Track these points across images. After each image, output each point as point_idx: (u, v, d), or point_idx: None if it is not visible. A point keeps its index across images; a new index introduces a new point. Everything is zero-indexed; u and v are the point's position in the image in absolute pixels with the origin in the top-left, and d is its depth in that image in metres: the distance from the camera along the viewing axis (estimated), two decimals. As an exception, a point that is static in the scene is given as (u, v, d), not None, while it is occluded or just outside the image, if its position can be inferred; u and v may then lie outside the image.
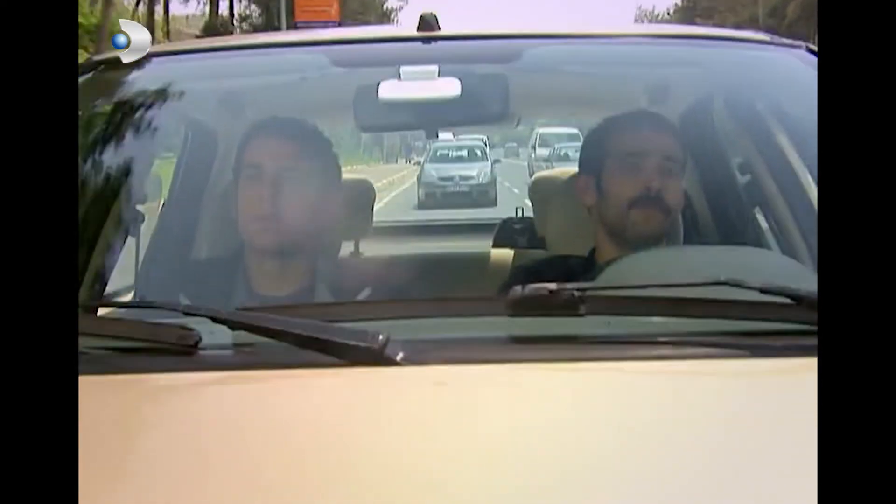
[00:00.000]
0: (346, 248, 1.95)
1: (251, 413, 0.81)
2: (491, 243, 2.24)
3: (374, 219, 1.95)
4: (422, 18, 1.37)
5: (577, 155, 1.65)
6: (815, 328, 0.86)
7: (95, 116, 1.47)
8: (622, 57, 1.55)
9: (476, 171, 13.95)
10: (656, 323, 0.91)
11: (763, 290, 0.88)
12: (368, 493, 0.67)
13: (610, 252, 1.42)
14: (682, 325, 0.91)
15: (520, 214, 2.33)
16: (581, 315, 0.88)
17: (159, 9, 30.49)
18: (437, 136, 1.83)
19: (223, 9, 32.71)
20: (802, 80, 1.40)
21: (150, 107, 1.50)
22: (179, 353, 0.88)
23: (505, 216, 2.38)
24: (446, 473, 0.69)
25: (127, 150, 1.49)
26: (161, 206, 1.78)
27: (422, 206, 12.65)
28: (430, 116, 1.57)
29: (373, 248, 2.08)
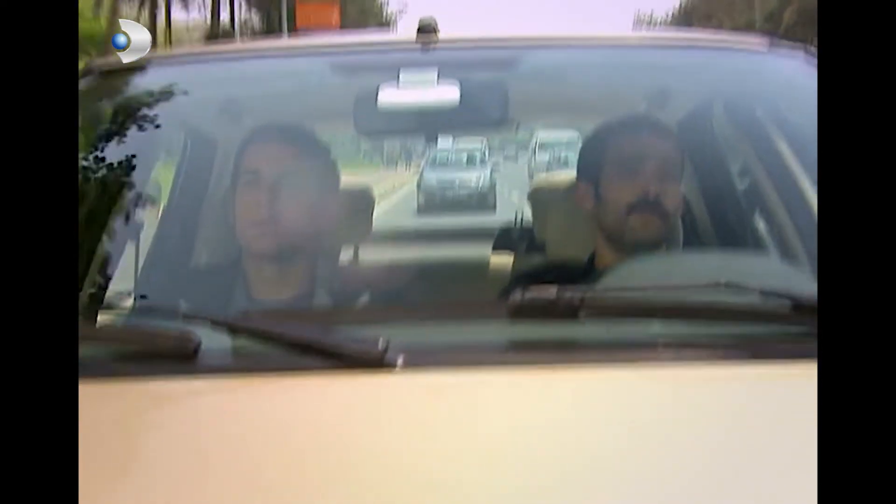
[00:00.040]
0: (346, 254, 1.95)
1: (251, 418, 0.81)
2: (490, 248, 2.24)
3: (375, 223, 1.95)
4: (421, 23, 1.37)
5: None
6: (814, 332, 0.86)
7: (95, 122, 1.48)
8: (621, 63, 1.55)
9: (475, 177, 13.94)
10: (656, 328, 0.91)
11: (762, 296, 0.88)
12: (368, 498, 0.67)
13: (609, 257, 1.42)
14: (682, 329, 0.91)
15: (519, 219, 2.33)
16: (580, 320, 0.88)
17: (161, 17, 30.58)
18: (437, 142, 1.83)
19: (224, 16, 32.83)
20: (802, 84, 1.40)
21: (149, 113, 1.51)
22: (179, 358, 0.88)
23: (504, 221, 2.38)
24: (446, 478, 0.69)
25: (126, 155, 1.49)
26: (160, 212, 1.78)
27: (421, 211, 12.66)
28: (429, 122, 1.58)
29: (372, 254, 2.08)
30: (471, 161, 14.29)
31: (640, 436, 0.74)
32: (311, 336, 0.85)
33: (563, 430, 0.75)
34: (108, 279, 1.42)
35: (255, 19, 34.03)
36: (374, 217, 1.90)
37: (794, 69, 1.41)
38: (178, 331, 0.90)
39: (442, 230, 3.31)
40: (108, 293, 1.42)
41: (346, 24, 25.02)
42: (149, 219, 1.65)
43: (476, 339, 0.95)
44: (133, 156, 1.51)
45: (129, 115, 1.51)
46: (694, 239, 1.65)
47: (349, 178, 1.69)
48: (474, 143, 14.14)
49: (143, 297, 1.55)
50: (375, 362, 0.82)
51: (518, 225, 2.28)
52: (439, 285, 1.62)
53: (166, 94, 1.53)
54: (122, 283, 1.53)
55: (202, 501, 0.68)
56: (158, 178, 1.74)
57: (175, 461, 0.74)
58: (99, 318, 1.14)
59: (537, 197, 1.80)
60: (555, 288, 0.90)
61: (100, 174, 1.44)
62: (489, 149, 15.00)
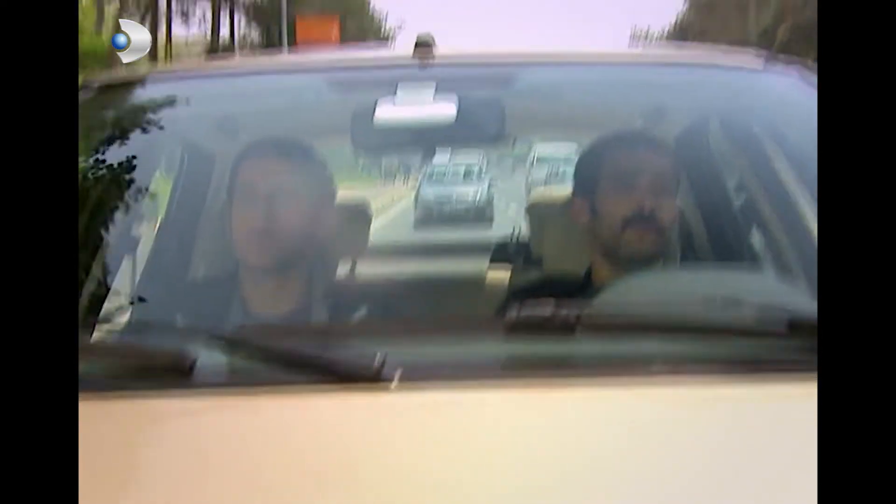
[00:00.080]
0: (344, 268, 1.95)
1: (247, 435, 0.80)
2: (487, 263, 2.24)
3: (372, 238, 1.95)
4: (418, 39, 1.38)
5: None
6: (810, 349, 0.86)
7: (93, 137, 1.48)
8: (618, 80, 1.56)
9: (472, 191, 13.97)
10: (652, 346, 0.91)
11: (758, 314, 0.88)
12: None
13: (605, 271, 1.42)
14: (678, 348, 0.90)
15: (516, 234, 2.34)
16: (577, 337, 0.88)
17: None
18: (433, 158, 1.83)
19: (224, 31, 33.08)
20: (798, 101, 1.41)
21: (147, 128, 1.51)
22: (175, 374, 0.88)
23: (501, 235, 2.39)
24: (443, 494, 0.69)
25: (123, 170, 1.49)
26: (157, 226, 1.78)
27: (419, 225, 12.67)
28: (426, 138, 1.58)
29: (370, 268, 2.08)
30: (468, 175, 14.32)
31: (637, 453, 0.74)
32: (308, 352, 0.85)
33: (560, 447, 0.75)
34: (104, 294, 1.42)
35: (255, 34, 34.24)
36: (371, 231, 1.90)
37: (790, 85, 1.42)
38: (173, 347, 0.90)
39: (439, 244, 3.31)
40: (105, 308, 1.42)
41: (345, 39, 25.15)
42: (146, 233, 1.65)
43: (472, 356, 0.95)
44: (130, 170, 1.51)
45: (125, 130, 1.51)
46: (690, 254, 1.66)
47: (347, 192, 1.69)
48: (471, 158, 14.18)
49: (139, 311, 1.55)
50: (372, 379, 0.82)
51: (515, 239, 2.28)
52: (436, 300, 1.62)
53: (163, 109, 1.53)
54: (118, 297, 1.53)
55: None
56: (156, 192, 1.74)
57: (170, 478, 0.73)
58: (94, 333, 1.14)
59: (534, 211, 1.81)
60: (551, 304, 0.90)
61: (96, 188, 1.44)
62: (486, 163, 15.03)
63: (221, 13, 33.14)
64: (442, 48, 1.39)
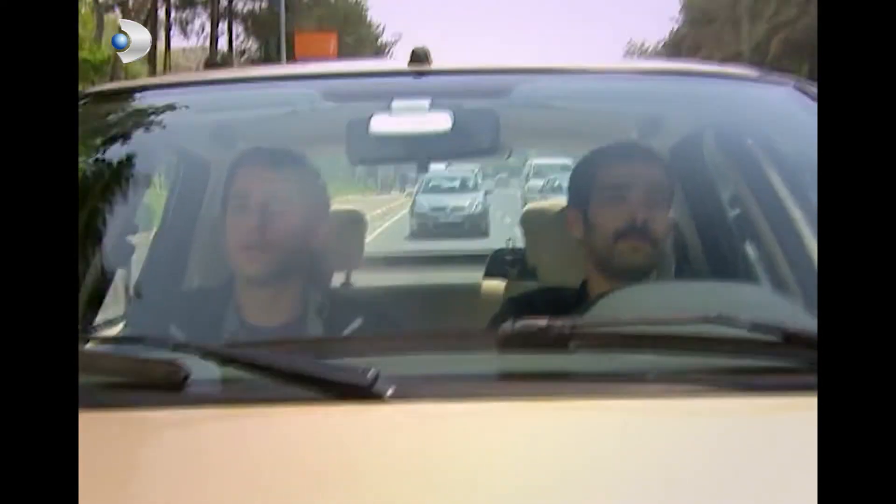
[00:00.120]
0: (338, 279, 1.95)
1: (240, 449, 0.80)
2: (482, 274, 2.24)
3: (367, 249, 1.95)
4: (413, 53, 1.38)
5: None
6: (804, 366, 0.86)
7: (87, 146, 1.48)
8: (613, 92, 1.56)
9: (468, 202, 13.99)
10: (646, 359, 0.91)
11: (752, 328, 0.88)
12: None
13: (599, 283, 1.42)
14: (673, 362, 0.90)
15: (511, 245, 2.34)
16: (571, 351, 0.88)
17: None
18: (428, 170, 1.83)
19: (222, 43, 33.23)
20: (792, 115, 1.42)
21: (142, 138, 1.51)
22: (168, 388, 0.87)
23: (497, 246, 2.39)
24: None
25: (118, 180, 1.49)
26: (153, 235, 1.78)
27: (414, 236, 12.67)
28: (421, 150, 1.58)
29: (364, 279, 2.08)
30: (463, 186, 14.35)
31: (631, 467, 0.74)
32: (301, 366, 0.85)
33: (553, 461, 0.75)
34: (98, 304, 1.41)
35: (253, 48, 34.38)
36: (366, 242, 1.90)
37: (784, 99, 1.42)
38: (166, 360, 0.89)
39: (434, 255, 3.31)
40: (98, 319, 1.41)
41: (343, 53, 25.23)
42: (141, 242, 1.65)
43: (467, 370, 0.95)
44: (125, 179, 1.51)
45: (122, 140, 1.52)
46: (685, 266, 1.66)
47: (342, 203, 1.69)
48: (466, 171, 14.20)
49: (133, 321, 1.54)
50: (365, 393, 0.82)
51: (510, 250, 2.28)
52: (431, 311, 1.62)
53: (159, 119, 1.53)
54: (112, 307, 1.53)
55: None
56: (151, 202, 1.74)
57: (162, 492, 0.73)
58: (88, 343, 1.13)
59: (530, 223, 1.81)
60: (545, 318, 0.90)
61: (91, 196, 1.44)
62: (483, 175, 15.04)
63: (220, 25, 33.31)
64: (437, 62, 1.40)
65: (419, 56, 1.37)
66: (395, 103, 1.39)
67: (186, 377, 0.87)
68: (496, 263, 2.23)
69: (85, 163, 1.44)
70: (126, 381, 0.89)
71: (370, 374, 0.82)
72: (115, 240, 1.51)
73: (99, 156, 1.47)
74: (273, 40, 28.27)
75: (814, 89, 1.40)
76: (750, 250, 1.66)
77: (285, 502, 0.70)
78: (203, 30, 33.39)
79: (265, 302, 1.41)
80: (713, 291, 1.31)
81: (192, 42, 33.80)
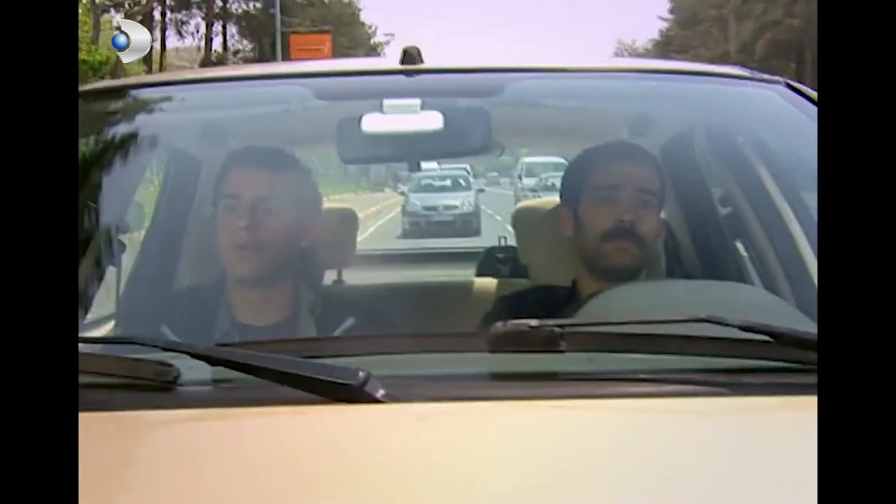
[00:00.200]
0: (330, 277, 1.95)
1: (230, 451, 0.80)
2: (474, 272, 2.24)
3: (359, 248, 1.95)
4: (405, 52, 1.38)
5: None
6: (796, 365, 0.87)
7: (80, 144, 1.47)
8: (603, 91, 1.57)
9: (460, 201, 13.98)
10: (637, 359, 0.91)
11: (743, 328, 0.88)
12: None
13: (589, 283, 1.42)
14: (663, 362, 0.90)
15: (503, 244, 2.34)
16: (562, 351, 0.88)
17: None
18: (420, 168, 1.83)
19: (217, 44, 33.23)
20: (782, 114, 1.42)
21: (134, 137, 1.51)
22: (158, 389, 0.87)
23: (489, 245, 2.39)
24: None
25: (109, 179, 1.49)
26: (143, 235, 1.77)
27: (406, 235, 12.66)
28: (412, 149, 1.58)
29: (356, 277, 2.08)
30: (455, 185, 14.34)
31: (621, 468, 0.74)
32: (292, 367, 0.84)
33: (545, 462, 0.75)
34: (88, 305, 1.41)
35: (248, 48, 34.36)
36: (358, 241, 1.90)
37: (775, 98, 1.43)
38: (157, 360, 0.89)
39: (426, 254, 3.31)
40: (88, 318, 1.41)
41: (337, 54, 25.24)
42: (131, 241, 1.64)
43: (458, 371, 0.95)
44: (115, 179, 1.50)
45: (113, 139, 1.51)
46: (677, 265, 1.66)
47: (333, 202, 1.69)
48: (458, 170, 14.19)
49: (124, 321, 1.54)
50: (356, 394, 0.82)
51: (502, 249, 2.28)
52: (423, 310, 1.62)
53: (150, 117, 1.53)
54: (102, 306, 1.52)
55: None
56: (142, 201, 1.74)
57: (152, 493, 0.73)
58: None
59: (521, 221, 1.81)
60: (536, 319, 0.90)
61: (82, 195, 1.43)
62: (475, 173, 15.02)
63: (214, 26, 33.28)
64: (432, 60, 1.40)
65: (411, 55, 1.37)
66: (387, 102, 1.39)
67: (177, 378, 0.87)
68: (488, 262, 2.24)
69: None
70: (116, 381, 0.89)
71: (361, 375, 0.82)
72: (106, 238, 1.51)
73: (90, 153, 1.47)
74: (267, 41, 28.24)
75: (804, 88, 1.41)
76: (741, 249, 1.66)
77: (277, 503, 0.70)
78: (198, 30, 33.43)
79: (257, 301, 1.41)
80: (704, 291, 1.31)
81: (188, 42, 33.83)
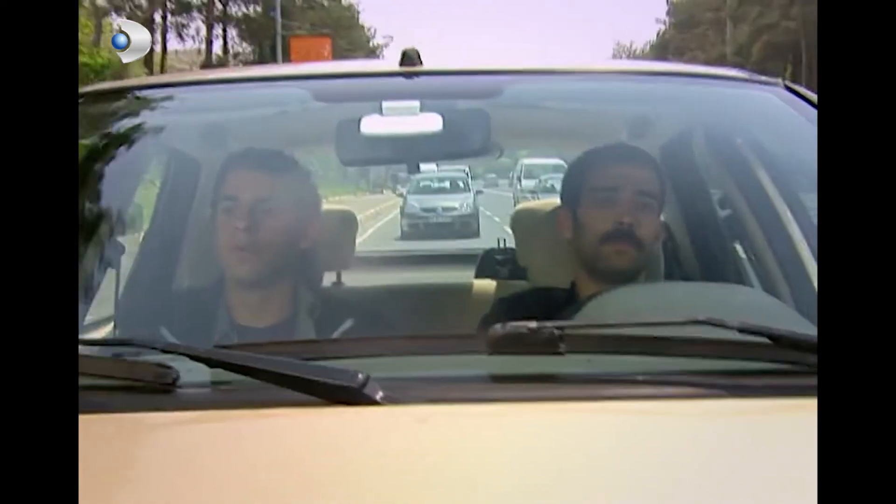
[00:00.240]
0: (329, 279, 1.95)
1: (229, 453, 0.80)
2: (473, 273, 2.24)
3: (358, 249, 1.95)
4: (404, 54, 1.38)
5: None
6: (794, 367, 0.87)
7: (80, 146, 1.47)
8: (602, 93, 1.57)
9: (459, 203, 13.99)
10: (636, 361, 0.91)
11: (741, 330, 0.88)
12: None
13: (587, 285, 1.42)
14: (662, 363, 0.90)
15: (502, 245, 2.34)
16: (561, 353, 0.88)
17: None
18: (419, 170, 1.83)
19: (217, 47, 33.32)
20: (780, 116, 1.43)
21: (133, 138, 1.51)
22: (157, 391, 0.87)
23: (488, 247, 2.39)
24: None
25: (109, 180, 1.49)
26: (142, 236, 1.77)
27: (405, 237, 12.65)
28: (411, 151, 1.58)
29: (355, 279, 2.08)
30: (454, 187, 14.35)
31: (620, 470, 0.74)
32: (291, 369, 0.84)
33: (544, 464, 0.75)
34: (87, 306, 1.41)
35: (247, 51, 34.43)
36: (357, 243, 1.90)
37: (773, 100, 1.43)
38: (156, 362, 0.89)
39: (425, 256, 3.31)
40: (87, 320, 1.41)
41: (336, 57, 25.34)
42: (130, 242, 1.64)
43: (457, 373, 0.94)
44: (115, 181, 1.50)
45: (113, 140, 1.51)
46: (675, 267, 1.66)
47: (332, 203, 1.69)
48: (457, 171, 14.20)
49: (122, 322, 1.54)
50: (355, 396, 0.82)
51: (501, 251, 2.29)
52: (422, 311, 1.62)
53: (151, 118, 1.53)
54: (101, 308, 1.52)
55: None
56: (141, 202, 1.74)
57: (150, 495, 0.73)
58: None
59: (520, 223, 1.81)
60: (535, 321, 0.89)
61: (82, 196, 1.43)
62: (474, 175, 15.02)
63: (214, 29, 33.34)
64: (432, 61, 1.40)
65: (410, 57, 1.37)
66: (386, 104, 1.39)
67: (176, 379, 0.87)
68: (487, 263, 2.24)
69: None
70: (115, 383, 0.89)
71: (360, 377, 0.82)
72: (105, 240, 1.51)
73: (90, 154, 1.47)
74: (267, 44, 28.28)
75: (802, 90, 1.41)
76: (739, 251, 1.66)
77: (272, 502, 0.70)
78: (198, 33, 33.52)
79: (256, 303, 1.41)
80: (703, 293, 1.31)
81: (189, 45, 33.92)
